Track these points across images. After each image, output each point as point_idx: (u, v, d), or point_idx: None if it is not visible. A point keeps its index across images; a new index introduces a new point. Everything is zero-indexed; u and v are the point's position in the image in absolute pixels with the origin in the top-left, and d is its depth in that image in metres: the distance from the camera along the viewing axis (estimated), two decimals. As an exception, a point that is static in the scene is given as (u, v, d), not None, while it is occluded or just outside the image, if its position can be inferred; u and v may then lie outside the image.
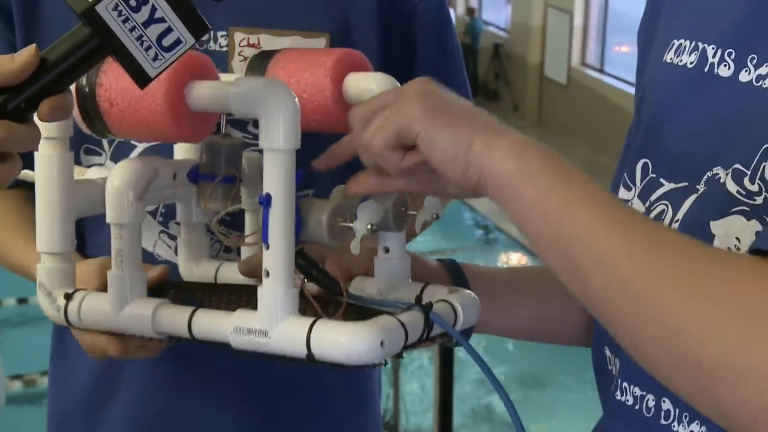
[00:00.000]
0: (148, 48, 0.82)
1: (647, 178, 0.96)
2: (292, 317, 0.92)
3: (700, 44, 0.93)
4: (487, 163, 0.84)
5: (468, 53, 13.45)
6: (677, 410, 0.90)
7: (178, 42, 0.83)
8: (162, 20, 0.82)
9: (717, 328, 0.72)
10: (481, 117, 0.87)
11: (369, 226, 0.94)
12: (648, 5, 1.06)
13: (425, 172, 0.90)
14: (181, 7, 0.83)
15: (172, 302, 1.03)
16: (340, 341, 0.89)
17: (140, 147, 1.25)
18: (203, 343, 0.99)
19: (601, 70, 13.23)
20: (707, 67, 0.91)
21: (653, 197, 0.94)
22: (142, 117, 0.98)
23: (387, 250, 1.02)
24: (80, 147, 1.28)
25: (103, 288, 1.07)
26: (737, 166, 0.85)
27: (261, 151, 0.92)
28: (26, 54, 0.81)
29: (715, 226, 0.86)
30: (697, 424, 0.88)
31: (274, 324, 0.92)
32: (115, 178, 1.03)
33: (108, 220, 1.03)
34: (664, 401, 0.91)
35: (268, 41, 1.25)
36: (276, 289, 0.92)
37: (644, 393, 0.93)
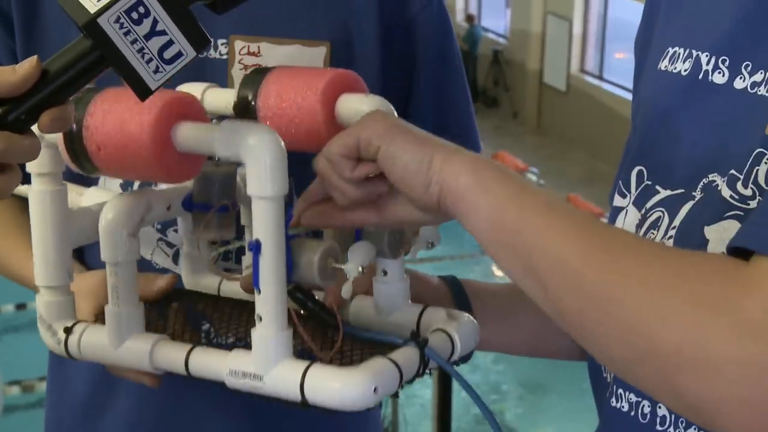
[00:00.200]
0: (150, 60, 0.82)
1: (642, 186, 0.96)
2: (287, 361, 0.92)
3: (694, 52, 0.93)
4: (446, 178, 0.85)
5: (467, 60, 13.46)
6: (673, 416, 0.90)
7: (179, 55, 0.83)
8: (163, 33, 0.82)
9: (674, 321, 0.72)
10: (440, 140, 0.89)
11: (360, 269, 0.94)
12: (644, 13, 1.07)
13: (380, 201, 0.92)
14: (183, 20, 0.83)
15: (174, 316, 1.03)
16: (334, 387, 0.89)
17: None
18: (200, 380, 1.00)
19: (600, 77, 13.24)
20: (701, 74, 0.91)
21: (649, 204, 0.95)
22: (130, 161, 0.97)
23: (385, 273, 1.02)
24: None
25: (99, 309, 1.08)
26: (732, 171, 0.85)
27: None
28: (27, 65, 0.81)
29: (709, 231, 0.86)
30: (695, 429, 0.88)
31: (268, 368, 0.92)
32: (108, 215, 1.02)
33: (102, 258, 1.03)
34: (659, 407, 0.91)
35: (268, 49, 1.25)
36: (269, 333, 0.92)
37: (639, 399, 0.94)
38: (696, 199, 0.89)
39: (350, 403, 0.89)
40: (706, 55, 0.91)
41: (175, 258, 1.28)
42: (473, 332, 1.00)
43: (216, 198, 1.05)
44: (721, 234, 0.85)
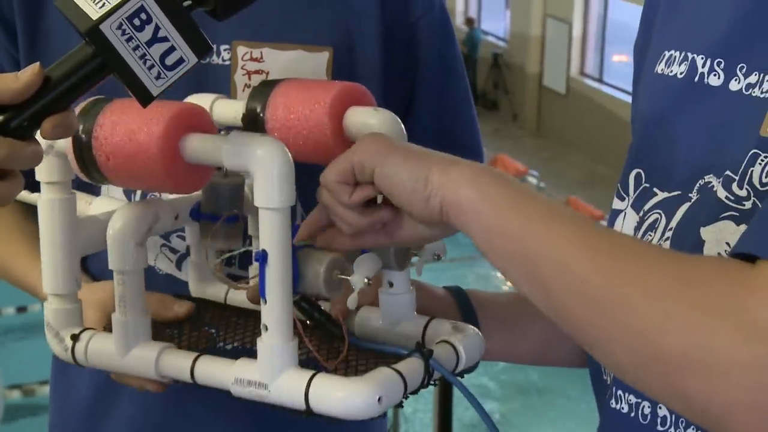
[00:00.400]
0: (152, 67, 0.83)
1: (640, 188, 0.97)
2: (292, 370, 0.93)
3: (689, 54, 0.93)
4: (447, 191, 0.85)
5: (467, 63, 13.47)
6: (673, 416, 0.90)
7: (181, 61, 0.83)
8: (165, 39, 0.82)
9: (680, 324, 0.72)
10: (434, 152, 0.89)
11: (366, 280, 0.94)
12: (642, 18, 1.07)
13: (383, 225, 0.92)
14: (185, 26, 0.83)
15: (182, 328, 1.03)
16: (339, 396, 0.89)
17: None
18: (206, 388, 1.00)
19: (600, 80, 13.24)
20: (697, 77, 0.92)
21: (647, 207, 0.95)
22: (139, 172, 0.97)
23: (391, 285, 1.03)
24: None
25: (106, 320, 1.08)
26: (728, 172, 0.86)
27: None
28: (30, 72, 0.81)
29: (705, 232, 0.86)
30: (694, 429, 0.88)
31: (273, 377, 0.93)
32: (116, 224, 1.02)
33: (110, 266, 1.03)
34: (660, 408, 0.91)
35: (270, 55, 1.25)
36: (275, 343, 0.92)
37: (639, 400, 0.94)
38: (692, 200, 0.90)
39: (354, 413, 0.89)
40: (702, 58, 0.92)
41: (179, 264, 1.28)
42: (478, 344, 1.00)
43: (224, 208, 1.05)
44: (716, 235, 0.85)
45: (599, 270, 0.77)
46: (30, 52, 1.27)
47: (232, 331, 1.04)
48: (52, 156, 1.03)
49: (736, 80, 0.88)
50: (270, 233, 0.90)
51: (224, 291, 1.15)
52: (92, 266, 1.32)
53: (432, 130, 1.06)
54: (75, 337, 1.06)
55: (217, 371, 0.97)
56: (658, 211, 0.93)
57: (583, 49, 13.51)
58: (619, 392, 0.96)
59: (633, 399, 0.94)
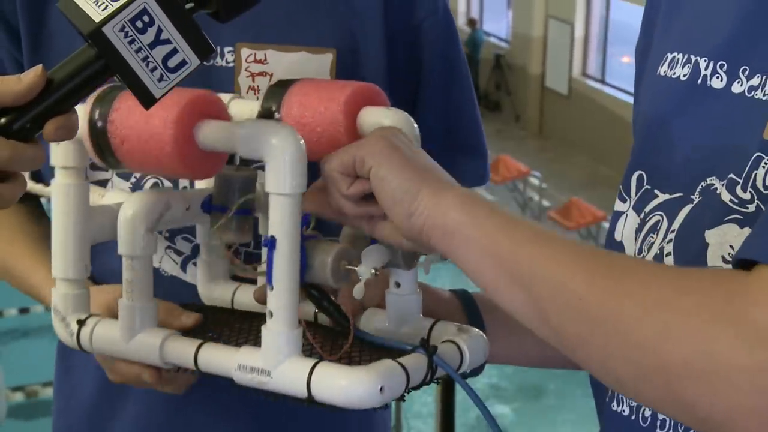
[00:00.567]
0: (154, 69, 0.83)
1: (642, 190, 0.97)
2: (295, 358, 0.93)
3: (692, 57, 0.93)
4: (433, 215, 0.86)
5: (469, 64, 13.44)
6: (673, 419, 0.90)
7: (183, 63, 0.84)
8: (168, 42, 0.82)
9: (680, 334, 0.72)
10: (434, 170, 0.90)
11: (373, 271, 0.95)
12: (644, 19, 1.07)
13: (373, 218, 0.93)
14: (187, 28, 0.83)
15: (185, 334, 1.04)
16: (341, 385, 0.89)
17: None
18: (209, 376, 1.00)
19: (602, 81, 13.25)
20: (700, 79, 0.92)
21: (648, 208, 0.95)
22: (153, 155, 0.98)
23: (398, 285, 1.03)
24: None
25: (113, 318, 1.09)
26: (731, 175, 0.86)
27: None
28: (33, 75, 0.81)
29: (710, 235, 0.86)
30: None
31: (276, 364, 0.93)
32: (127, 210, 1.03)
33: (120, 251, 1.04)
34: None
35: (274, 57, 1.25)
36: (279, 330, 0.92)
37: (640, 403, 0.94)
38: (695, 202, 0.89)
39: (356, 402, 0.89)
40: (705, 60, 0.92)
41: (184, 266, 1.28)
42: (483, 346, 1.00)
43: (235, 201, 1.05)
44: (720, 238, 0.85)
45: (595, 286, 0.77)
46: (33, 55, 1.27)
47: (236, 336, 1.05)
48: (67, 141, 1.03)
49: (738, 83, 0.88)
50: (280, 219, 0.91)
51: (231, 291, 1.15)
52: (95, 269, 1.33)
53: (436, 132, 1.06)
54: (81, 322, 1.06)
55: (220, 358, 0.98)
56: (660, 213, 0.93)
57: (585, 50, 13.52)
58: (620, 395, 0.96)
59: (634, 402, 0.94)
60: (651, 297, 0.75)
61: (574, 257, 0.80)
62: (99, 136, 1.00)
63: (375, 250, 0.96)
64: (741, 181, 0.85)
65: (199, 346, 1.00)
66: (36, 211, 1.38)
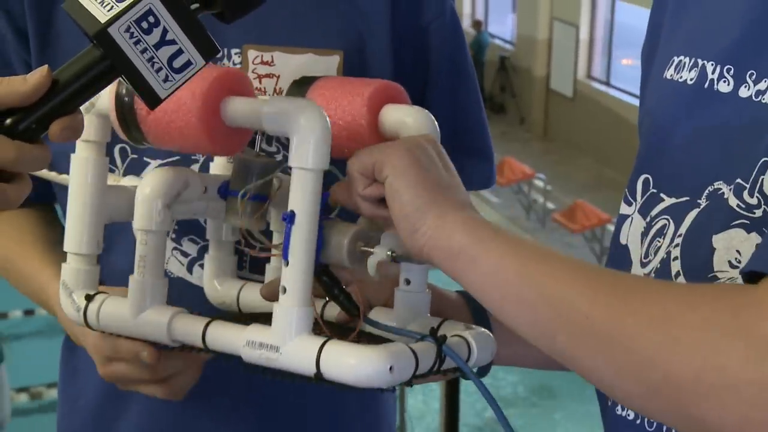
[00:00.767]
0: (159, 69, 0.83)
1: (648, 193, 0.97)
2: (305, 335, 0.92)
3: (699, 61, 0.93)
4: (437, 236, 0.86)
5: (474, 66, 13.48)
6: None
7: (188, 64, 0.84)
8: (173, 42, 0.82)
9: (689, 349, 0.72)
10: (449, 191, 0.90)
11: (389, 252, 0.95)
12: (650, 22, 1.07)
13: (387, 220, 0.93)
14: (192, 29, 0.83)
15: None
16: (350, 363, 0.89)
17: (153, 164, 1.26)
18: (216, 356, 1.00)
19: (607, 83, 13.25)
20: (707, 83, 0.92)
21: (654, 212, 0.95)
22: (177, 127, 0.99)
23: (408, 282, 1.03)
24: None
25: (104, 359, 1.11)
26: (738, 180, 0.86)
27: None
28: (38, 75, 0.81)
29: (716, 240, 0.86)
30: None
31: (286, 340, 0.92)
32: (145, 186, 1.04)
33: (135, 225, 1.04)
34: None
35: (281, 59, 1.25)
36: (291, 306, 0.92)
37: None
38: (701, 206, 0.89)
39: (365, 380, 0.88)
40: (712, 64, 0.91)
41: (190, 267, 1.29)
42: (490, 344, 1.00)
43: (253, 186, 1.05)
44: (728, 242, 0.85)
45: (601, 304, 0.77)
46: (42, 56, 1.27)
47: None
48: (92, 115, 1.05)
49: (745, 87, 0.88)
50: (301, 194, 0.91)
51: (237, 289, 1.15)
52: (102, 269, 1.33)
53: (443, 134, 1.06)
54: (89, 298, 1.06)
55: (229, 335, 0.97)
56: (666, 216, 0.93)
57: (590, 52, 13.52)
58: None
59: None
60: (657, 313, 0.75)
61: (579, 276, 0.80)
62: (125, 110, 1.02)
63: (395, 234, 0.95)
64: (748, 186, 0.85)
65: (208, 324, 0.99)
66: (49, 216, 1.39)
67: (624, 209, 1.00)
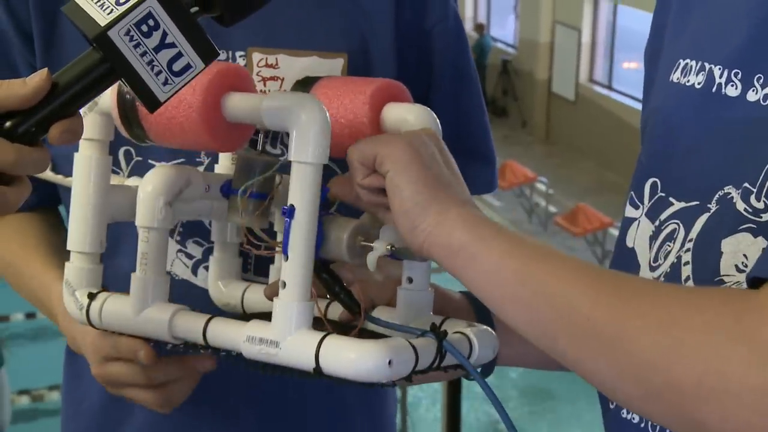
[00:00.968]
0: (159, 73, 0.83)
1: (656, 197, 0.96)
2: (305, 330, 0.93)
3: (706, 65, 0.93)
4: (436, 233, 0.86)
5: (476, 69, 13.48)
6: None
7: (188, 67, 0.84)
8: (173, 45, 0.82)
9: (691, 353, 0.72)
10: (450, 188, 0.90)
11: (389, 246, 0.95)
12: (653, 24, 1.07)
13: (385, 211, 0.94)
14: (192, 32, 0.83)
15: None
16: (349, 357, 0.89)
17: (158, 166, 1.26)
18: (217, 353, 1.00)
19: (609, 87, 13.25)
20: (715, 87, 0.91)
21: (663, 216, 0.94)
22: (178, 123, 1.00)
23: (411, 281, 1.03)
24: None
25: (109, 346, 1.10)
26: (746, 184, 0.86)
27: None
28: (38, 78, 0.81)
29: (725, 244, 0.86)
30: None
31: (285, 335, 0.92)
32: (147, 183, 1.05)
33: (137, 222, 1.05)
34: None
35: (285, 61, 1.25)
36: (291, 301, 0.92)
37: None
38: (711, 211, 0.89)
39: (364, 374, 0.88)
40: (719, 68, 0.91)
41: (195, 269, 1.29)
42: (492, 342, 1.00)
43: (254, 184, 1.06)
44: (735, 247, 0.85)
45: (603, 306, 0.77)
46: (46, 58, 1.27)
47: None
48: (95, 113, 1.05)
49: (753, 91, 0.87)
50: (300, 188, 0.92)
51: (241, 290, 1.15)
52: (105, 273, 1.33)
53: (445, 137, 1.06)
54: (92, 296, 1.07)
55: (230, 331, 0.97)
56: (676, 221, 0.93)
57: (592, 55, 13.52)
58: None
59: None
60: (660, 316, 0.74)
61: (581, 277, 0.80)
62: (127, 107, 1.02)
63: (393, 228, 0.95)
64: (755, 190, 0.84)
65: (208, 320, 1.00)
66: (53, 220, 1.39)
67: (630, 212, 0.99)
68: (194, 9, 0.84)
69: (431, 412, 5.79)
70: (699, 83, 0.93)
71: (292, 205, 0.92)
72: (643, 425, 0.94)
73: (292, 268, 0.92)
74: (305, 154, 0.91)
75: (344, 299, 1.00)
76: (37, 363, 5.17)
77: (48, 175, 1.24)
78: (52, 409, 5.00)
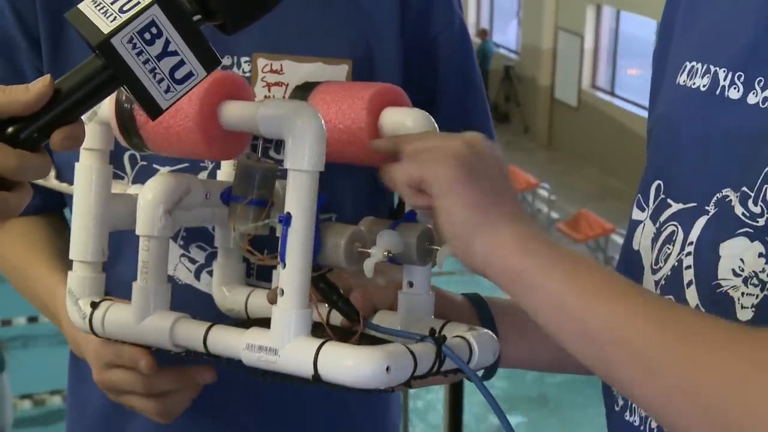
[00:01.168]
0: (161, 80, 0.83)
1: (659, 200, 0.96)
2: (303, 337, 0.93)
3: (712, 67, 0.93)
4: (493, 261, 0.85)
5: (479, 75, 13.50)
6: None
7: (190, 75, 0.84)
8: (175, 53, 0.83)
9: (762, 410, 0.71)
10: (498, 204, 0.88)
11: (386, 253, 0.95)
12: (661, 27, 1.07)
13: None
14: (194, 40, 0.83)
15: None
16: (347, 364, 0.89)
17: (163, 171, 1.26)
18: (218, 361, 1.00)
19: (612, 93, 13.24)
20: (719, 90, 0.91)
21: (663, 218, 0.95)
22: (175, 132, 1.00)
23: (411, 284, 1.03)
24: None
25: (108, 355, 1.11)
26: (744, 188, 0.86)
27: None
28: (40, 84, 0.81)
29: (723, 248, 0.86)
30: None
31: (284, 343, 0.93)
32: (147, 191, 1.05)
33: (137, 231, 1.05)
34: None
35: (290, 67, 1.25)
36: (289, 308, 0.93)
37: (648, 414, 0.93)
38: (710, 213, 0.89)
39: (362, 381, 0.88)
40: (724, 71, 0.91)
41: (198, 274, 1.29)
42: (493, 345, 1.00)
43: (254, 191, 1.06)
44: (732, 251, 0.85)
45: (671, 355, 0.76)
46: (53, 62, 1.27)
47: None
48: (94, 123, 1.06)
49: (753, 93, 0.87)
50: (297, 196, 0.92)
51: (245, 296, 1.16)
52: (108, 280, 1.33)
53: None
54: (95, 305, 1.07)
55: (229, 339, 0.98)
56: (674, 223, 0.93)
57: (594, 62, 13.52)
58: (633, 405, 0.96)
59: (644, 412, 0.94)
60: (730, 371, 0.73)
61: (643, 316, 0.78)
62: (125, 117, 1.03)
63: (390, 233, 0.96)
64: (752, 194, 0.85)
65: (209, 328, 1.00)
66: (58, 224, 1.39)
67: (636, 215, 0.99)
68: (197, 17, 0.84)
69: (432, 410, 5.78)
70: (704, 86, 0.93)
71: (288, 213, 0.92)
72: (642, 428, 0.94)
73: (290, 275, 0.92)
74: (301, 162, 0.92)
75: (342, 307, 1.00)
76: (39, 367, 5.17)
77: (53, 183, 1.25)
78: (54, 414, 5.00)
